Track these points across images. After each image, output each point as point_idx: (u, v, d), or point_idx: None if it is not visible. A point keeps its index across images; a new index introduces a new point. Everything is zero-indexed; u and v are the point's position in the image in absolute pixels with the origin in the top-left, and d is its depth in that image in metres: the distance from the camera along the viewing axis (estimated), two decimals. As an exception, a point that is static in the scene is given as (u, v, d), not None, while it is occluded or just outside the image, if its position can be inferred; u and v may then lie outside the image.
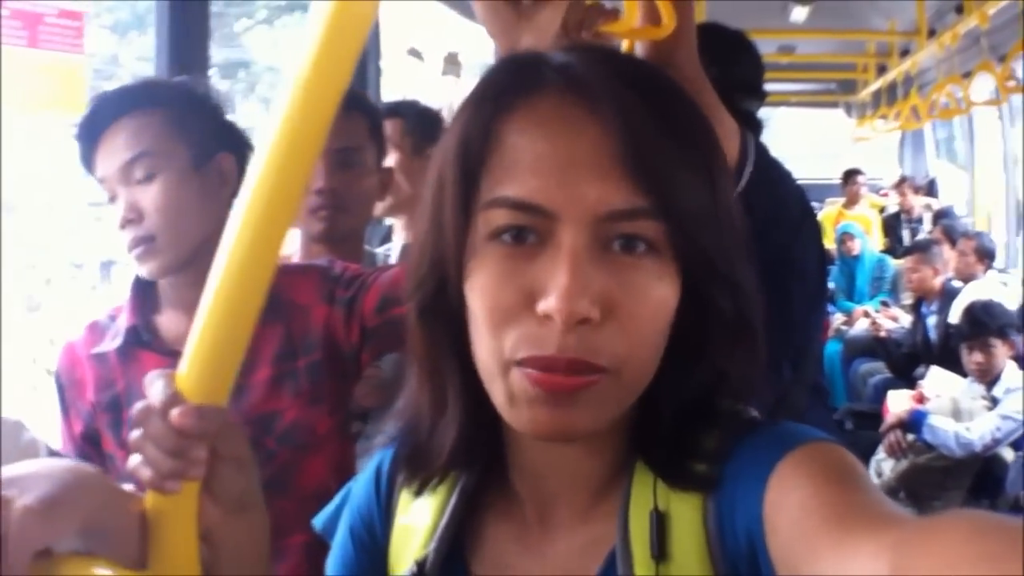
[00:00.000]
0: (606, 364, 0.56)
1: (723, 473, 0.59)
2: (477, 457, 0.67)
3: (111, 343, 1.25)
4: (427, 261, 0.62)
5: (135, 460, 0.60)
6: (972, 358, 3.58)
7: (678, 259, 0.58)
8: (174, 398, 0.59)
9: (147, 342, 1.24)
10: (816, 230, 2.15)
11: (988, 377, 3.55)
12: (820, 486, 0.53)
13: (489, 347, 0.57)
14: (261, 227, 0.58)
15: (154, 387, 0.60)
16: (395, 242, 1.99)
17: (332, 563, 0.75)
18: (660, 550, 0.58)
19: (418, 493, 0.69)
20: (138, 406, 0.60)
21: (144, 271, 1.21)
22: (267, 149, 0.57)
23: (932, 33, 4.86)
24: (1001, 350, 3.54)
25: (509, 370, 0.57)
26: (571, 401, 0.56)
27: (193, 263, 1.19)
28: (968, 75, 4.40)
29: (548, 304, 0.54)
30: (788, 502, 0.54)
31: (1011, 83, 3.83)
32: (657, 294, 0.57)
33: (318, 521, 0.77)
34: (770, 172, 1.27)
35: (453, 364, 0.63)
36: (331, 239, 1.51)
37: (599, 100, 0.57)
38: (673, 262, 0.58)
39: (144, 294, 1.27)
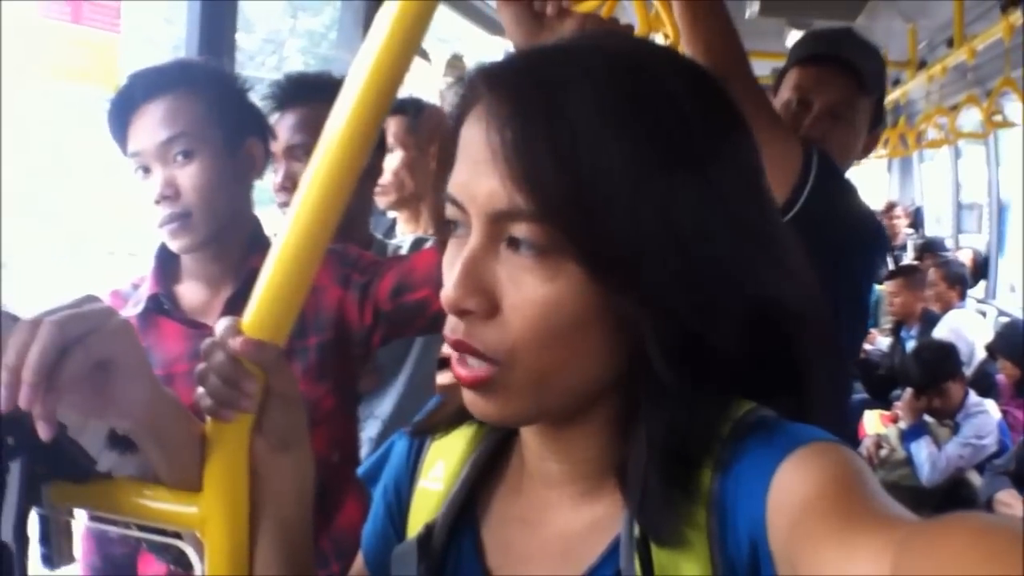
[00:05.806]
0: (487, 353, 0.58)
1: (726, 478, 0.58)
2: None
3: (132, 309, 1.29)
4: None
5: (199, 391, 0.69)
6: (931, 404, 3.58)
7: (585, 262, 0.56)
8: (236, 333, 0.68)
9: (167, 310, 1.29)
10: (877, 255, 2.02)
11: (947, 415, 3.57)
12: (823, 485, 0.53)
13: None
14: (325, 191, 0.68)
15: (221, 325, 0.69)
16: (398, 236, 2.03)
17: (370, 517, 0.78)
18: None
19: (436, 435, 0.73)
20: (206, 342, 0.70)
21: (175, 246, 1.26)
22: (338, 120, 0.68)
23: (922, 64, 4.95)
24: (955, 388, 3.56)
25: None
26: (478, 392, 0.60)
27: (217, 240, 1.26)
28: (955, 107, 4.50)
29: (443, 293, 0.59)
30: (790, 502, 0.53)
31: (997, 117, 3.92)
32: (543, 294, 0.57)
33: (361, 470, 0.81)
34: (831, 190, 1.32)
35: None
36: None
37: (505, 99, 0.57)
38: (572, 263, 0.56)
39: (167, 265, 1.32)
